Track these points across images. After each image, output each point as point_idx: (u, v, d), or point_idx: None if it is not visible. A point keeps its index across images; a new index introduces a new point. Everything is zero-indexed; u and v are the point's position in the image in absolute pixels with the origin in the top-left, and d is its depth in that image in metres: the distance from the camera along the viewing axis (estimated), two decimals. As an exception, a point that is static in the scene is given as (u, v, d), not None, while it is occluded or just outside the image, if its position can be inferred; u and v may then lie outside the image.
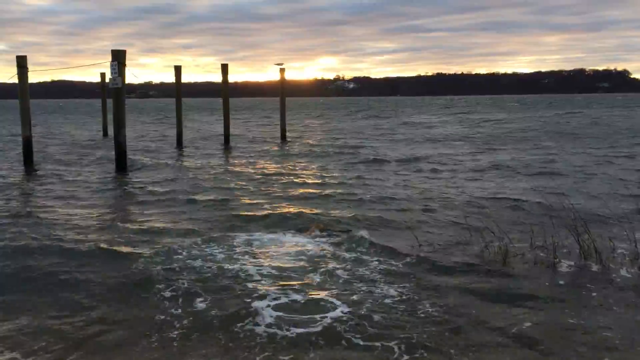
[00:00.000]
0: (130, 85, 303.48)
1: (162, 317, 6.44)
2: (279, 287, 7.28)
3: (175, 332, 6.04)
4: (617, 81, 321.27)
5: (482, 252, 8.80)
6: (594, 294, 7.09)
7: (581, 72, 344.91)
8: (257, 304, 6.71)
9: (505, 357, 5.43)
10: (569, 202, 10.43)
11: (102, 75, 37.58)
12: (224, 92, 30.26)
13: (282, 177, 17.78)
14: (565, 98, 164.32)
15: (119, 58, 17.91)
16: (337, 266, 8.25)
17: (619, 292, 7.12)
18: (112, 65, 17.94)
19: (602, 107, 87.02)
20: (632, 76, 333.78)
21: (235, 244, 9.47)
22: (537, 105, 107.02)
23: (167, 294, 7.14)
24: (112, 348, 5.69)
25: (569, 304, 6.74)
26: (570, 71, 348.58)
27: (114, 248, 9.24)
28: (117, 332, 6.04)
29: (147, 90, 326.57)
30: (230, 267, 8.15)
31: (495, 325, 6.14)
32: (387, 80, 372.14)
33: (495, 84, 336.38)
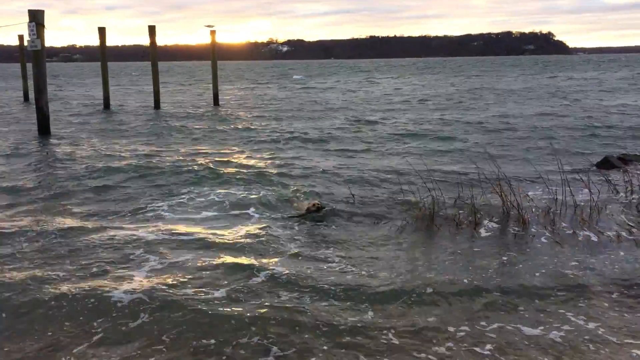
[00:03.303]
0: (52, 49, 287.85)
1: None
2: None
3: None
4: (542, 43, 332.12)
5: (411, 209, 9.12)
6: (514, 247, 7.53)
7: (508, 34, 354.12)
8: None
9: (425, 311, 5.71)
10: (494, 162, 10.87)
11: (20, 37, 35.58)
12: (153, 55, 29.36)
13: (212, 140, 17.62)
14: (493, 60, 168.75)
15: (36, 19, 17.04)
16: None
17: (536, 245, 7.58)
18: (29, 27, 17.06)
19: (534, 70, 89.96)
20: (555, 38, 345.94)
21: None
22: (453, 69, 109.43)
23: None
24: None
25: (490, 257, 7.13)
26: (498, 34, 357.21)
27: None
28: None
29: (70, 53, 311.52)
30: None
31: (418, 281, 6.43)
32: (321, 44, 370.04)
33: (427, 46, 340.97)
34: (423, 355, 4.76)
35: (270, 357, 4.75)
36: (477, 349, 4.84)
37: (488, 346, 4.88)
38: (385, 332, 5.13)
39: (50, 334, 5.19)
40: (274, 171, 12.64)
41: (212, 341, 5.00)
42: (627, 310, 5.54)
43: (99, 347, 4.95)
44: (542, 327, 5.18)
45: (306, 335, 5.08)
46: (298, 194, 10.04)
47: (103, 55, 27.44)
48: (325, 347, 4.89)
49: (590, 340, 4.96)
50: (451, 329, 5.19)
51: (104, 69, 27.36)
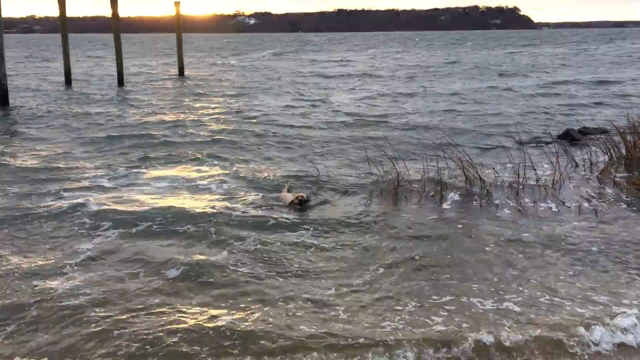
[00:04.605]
0: (11, 20, 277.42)
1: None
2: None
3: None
4: (508, 18, 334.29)
5: (376, 182, 9.20)
6: (478, 217, 7.68)
7: (475, 9, 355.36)
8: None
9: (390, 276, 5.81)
10: (459, 136, 11.01)
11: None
12: (115, 27, 28.57)
13: (178, 115, 17.40)
14: (460, 34, 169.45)
15: (-9, -13, 16.42)
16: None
17: (498, 214, 7.75)
18: (-16, -4, 16.44)
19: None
20: (521, 13, 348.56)
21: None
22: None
23: None
24: None
25: (455, 227, 7.27)
26: (465, 8, 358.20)
27: None
28: None
29: (30, 25, 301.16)
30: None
31: (381, 249, 6.53)
32: (289, 17, 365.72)
33: (396, 20, 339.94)
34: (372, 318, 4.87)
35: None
36: (428, 320, 4.95)
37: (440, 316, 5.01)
38: (337, 307, 5.21)
39: None
40: (235, 140, 12.66)
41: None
42: (582, 274, 5.74)
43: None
44: (495, 297, 5.32)
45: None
46: (282, 183, 9.26)
47: (63, 26, 26.54)
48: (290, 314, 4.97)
49: (544, 306, 5.12)
50: (404, 300, 5.31)
51: (65, 41, 26.50)
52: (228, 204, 8.12)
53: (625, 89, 23.42)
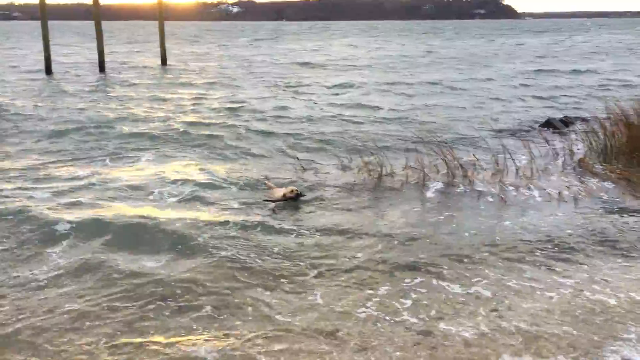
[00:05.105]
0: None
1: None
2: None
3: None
4: (492, 8, 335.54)
5: (359, 172, 9.21)
6: (458, 204, 7.75)
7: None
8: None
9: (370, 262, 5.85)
10: (440, 127, 11.04)
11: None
12: (96, 14, 28.19)
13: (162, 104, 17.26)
14: (443, 24, 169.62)
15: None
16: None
17: (479, 202, 7.82)
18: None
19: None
20: (504, 3, 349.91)
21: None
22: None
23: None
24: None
25: (436, 215, 7.32)
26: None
27: None
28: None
29: (9, 11, 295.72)
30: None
31: (361, 240, 6.56)
32: (273, 5, 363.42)
33: (380, 9, 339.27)
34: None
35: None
36: (397, 305, 4.99)
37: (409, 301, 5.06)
38: (314, 291, 5.24)
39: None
40: (218, 133, 12.59)
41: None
42: (554, 267, 5.81)
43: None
44: (468, 284, 5.37)
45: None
46: (263, 180, 8.84)
47: (43, 13, 26.14)
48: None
49: (516, 294, 5.19)
50: (377, 289, 5.35)
51: (45, 28, 26.10)
52: (201, 206, 7.72)
53: (603, 79, 23.65)
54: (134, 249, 6.14)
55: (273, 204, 7.56)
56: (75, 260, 5.83)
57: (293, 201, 7.56)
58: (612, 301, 5.00)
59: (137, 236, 6.47)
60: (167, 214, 7.16)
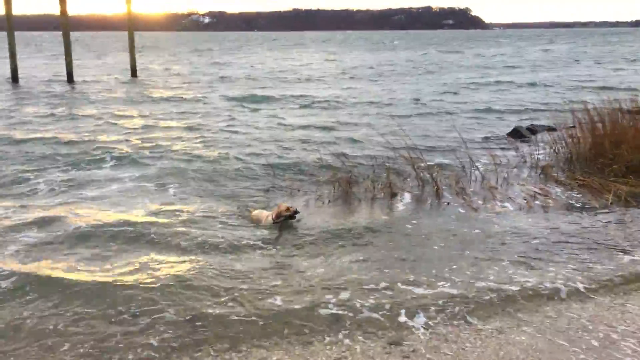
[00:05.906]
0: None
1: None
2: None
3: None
4: (460, 18, 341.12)
5: (329, 182, 9.24)
6: (427, 214, 7.84)
7: (428, 9, 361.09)
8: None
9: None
10: (409, 136, 11.11)
11: None
12: (64, 25, 27.84)
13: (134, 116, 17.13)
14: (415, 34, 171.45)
15: None
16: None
17: (447, 211, 7.92)
18: None
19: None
20: (472, 14, 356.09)
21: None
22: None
23: None
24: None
25: (402, 225, 7.40)
26: (418, 8, 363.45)
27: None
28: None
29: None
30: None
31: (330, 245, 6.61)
32: (244, 16, 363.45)
33: (350, 19, 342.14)
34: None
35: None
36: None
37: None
38: (273, 295, 5.26)
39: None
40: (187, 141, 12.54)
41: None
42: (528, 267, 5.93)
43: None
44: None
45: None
46: (246, 204, 8.39)
47: (9, 22, 25.75)
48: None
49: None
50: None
51: (11, 38, 25.69)
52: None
53: (565, 88, 24.22)
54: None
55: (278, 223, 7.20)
56: None
57: (290, 220, 7.28)
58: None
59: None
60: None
